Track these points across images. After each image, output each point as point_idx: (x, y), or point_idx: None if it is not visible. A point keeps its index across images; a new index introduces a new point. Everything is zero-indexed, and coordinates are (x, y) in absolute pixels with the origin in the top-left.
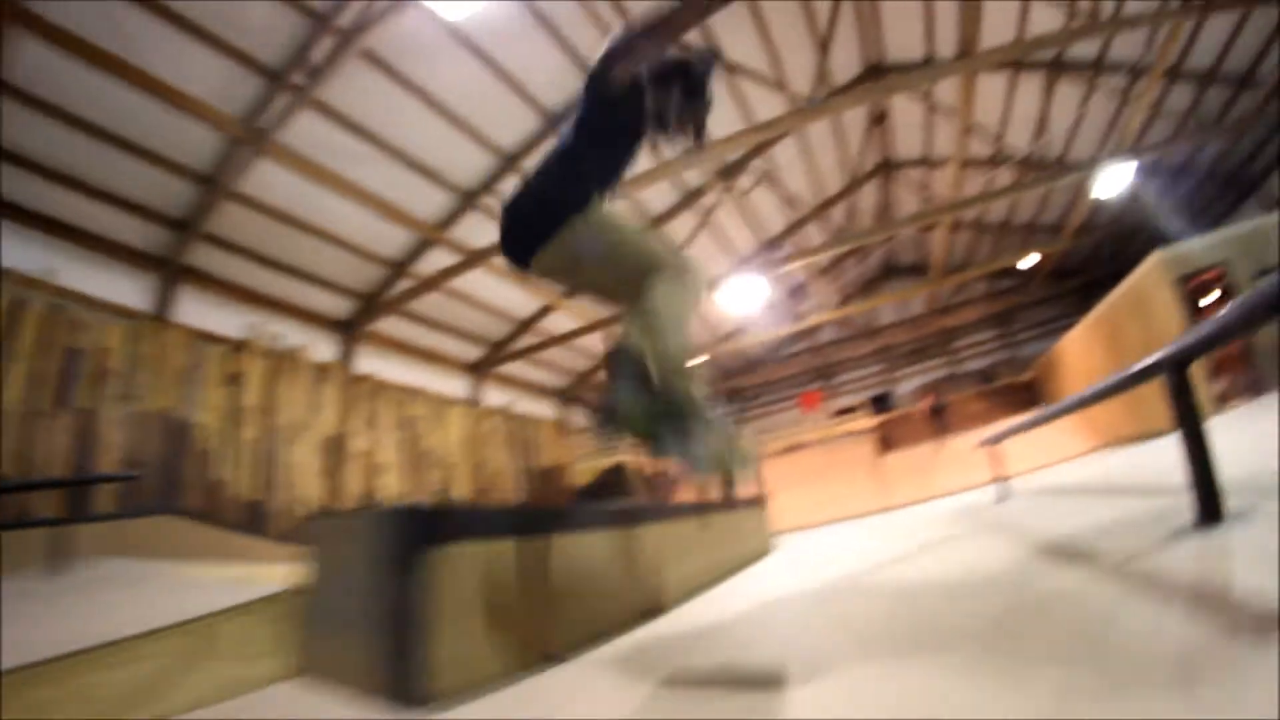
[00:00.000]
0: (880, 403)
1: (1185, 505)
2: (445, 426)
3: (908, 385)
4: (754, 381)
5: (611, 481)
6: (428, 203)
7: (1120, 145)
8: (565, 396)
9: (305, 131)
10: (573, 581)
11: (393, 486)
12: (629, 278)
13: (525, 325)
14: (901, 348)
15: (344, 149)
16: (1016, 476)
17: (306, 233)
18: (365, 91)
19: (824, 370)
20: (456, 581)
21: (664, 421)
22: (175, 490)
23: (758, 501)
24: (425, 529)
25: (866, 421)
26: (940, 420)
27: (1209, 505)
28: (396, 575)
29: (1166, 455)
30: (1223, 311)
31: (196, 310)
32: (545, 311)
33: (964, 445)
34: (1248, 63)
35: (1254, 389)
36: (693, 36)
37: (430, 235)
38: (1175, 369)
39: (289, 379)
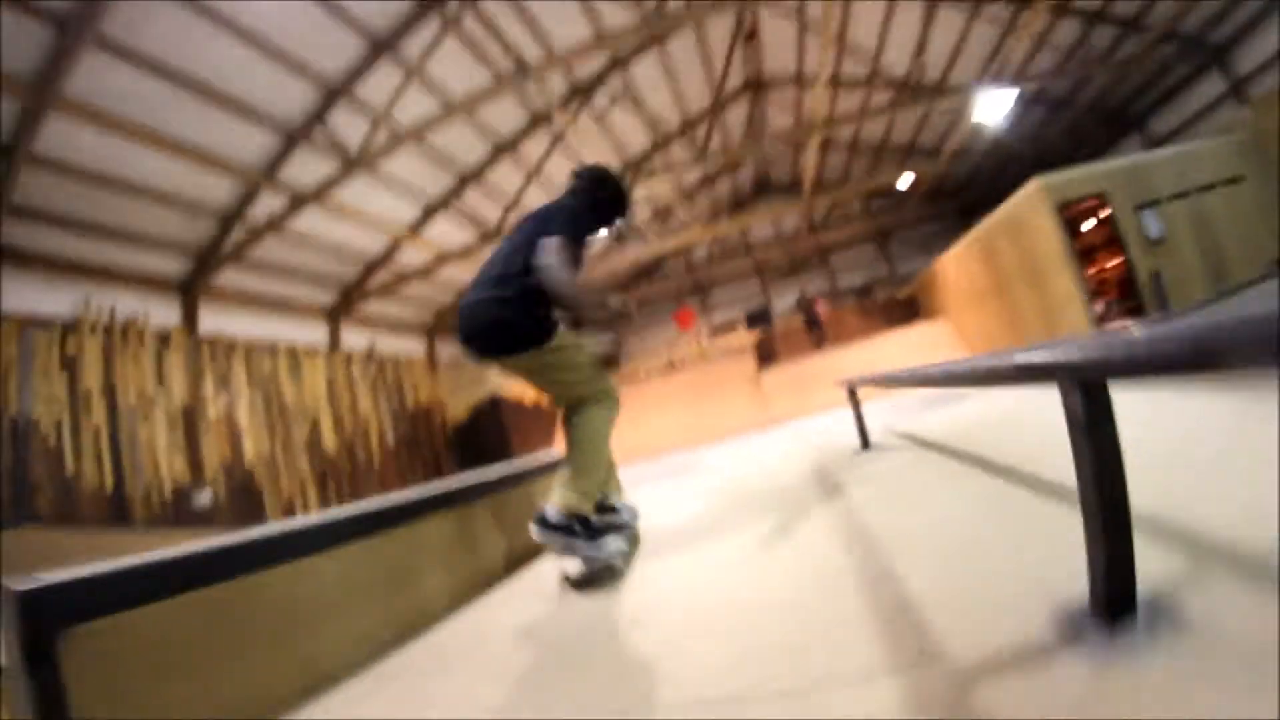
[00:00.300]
0: (758, 319)
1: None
2: (306, 378)
3: (785, 300)
4: (629, 300)
5: (486, 417)
6: (251, 145)
7: (1002, 73)
8: (433, 331)
9: (103, 80)
10: (285, 624)
11: (254, 450)
12: (573, 391)
13: (375, 264)
14: (778, 264)
15: (150, 96)
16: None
17: (124, 193)
18: (165, 27)
19: (700, 287)
20: (112, 665)
21: (587, 533)
22: (26, 497)
23: None
24: (56, 610)
25: (744, 337)
26: (818, 332)
27: (1115, 597)
28: (34, 668)
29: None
30: (1172, 327)
31: (19, 294)
32: (394, 249)
33: (843, 359)
34: (1137, 7)
35: (1133, 315)
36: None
37: (257, 181)
38: (1085, 388)
39: (130, 353)
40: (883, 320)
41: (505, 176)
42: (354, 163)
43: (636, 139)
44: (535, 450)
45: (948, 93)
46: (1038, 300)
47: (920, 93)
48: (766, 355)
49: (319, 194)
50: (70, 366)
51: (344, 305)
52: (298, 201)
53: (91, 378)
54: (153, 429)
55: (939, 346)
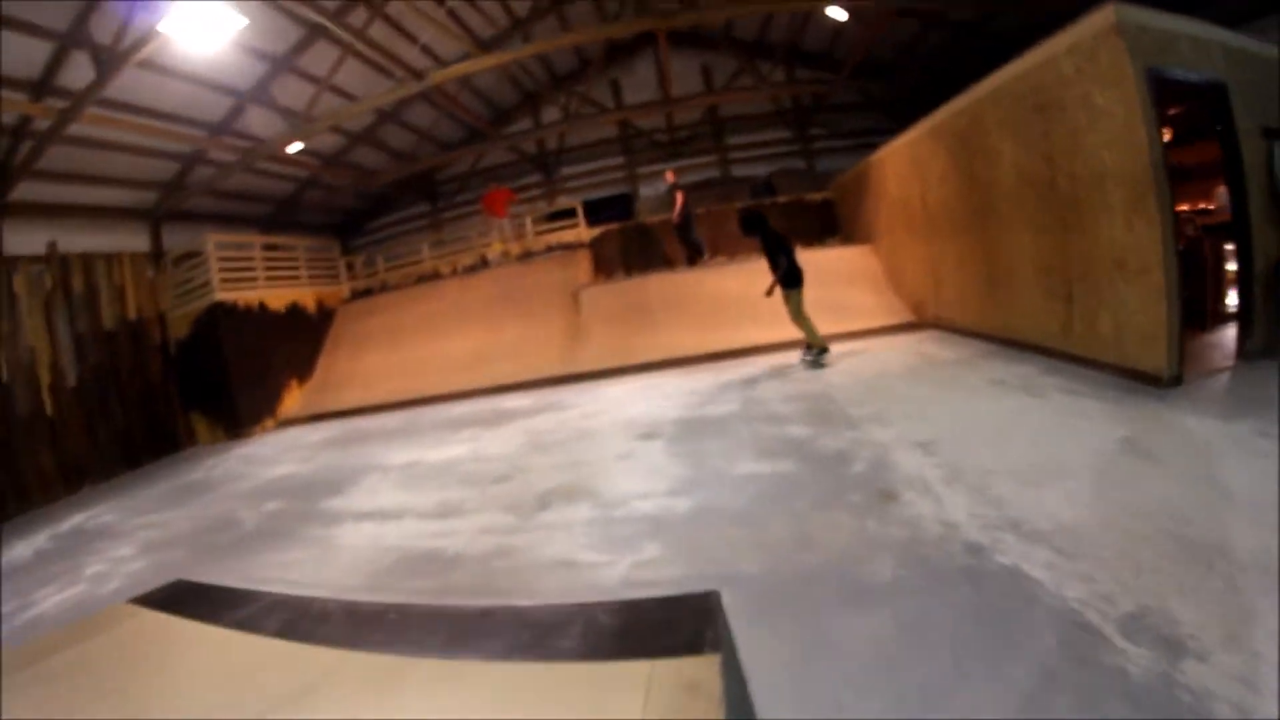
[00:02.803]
0: (609, 207)
1: None
2: None
3: (656, 189)
4: (450, 172)
5: (206, 333)
6: None
7: None
8: (158, 214)
9: None
10: None
11: None
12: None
13: (20, 131)
14: (656, 137)
15: None
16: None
17: None
18: None
19: (545, 160)
20: None
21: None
22: None
23: None
24: None
25: (580, 232)
26: (692, 239)
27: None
28: None
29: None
30: None
31: None
32: (27, 124)
33: (708, 283)
34: None
35: (1254, 343)
36: None
37: None
38: None
39: None
40: (783, 230)
41: None
42: None
43: None
44: (272, 384)
45: None
46: (1058, 248)
47: None
48: (607, 262)
49: None
50: None
51: None
52: None
53: None
54: None
55: (857, 284)
